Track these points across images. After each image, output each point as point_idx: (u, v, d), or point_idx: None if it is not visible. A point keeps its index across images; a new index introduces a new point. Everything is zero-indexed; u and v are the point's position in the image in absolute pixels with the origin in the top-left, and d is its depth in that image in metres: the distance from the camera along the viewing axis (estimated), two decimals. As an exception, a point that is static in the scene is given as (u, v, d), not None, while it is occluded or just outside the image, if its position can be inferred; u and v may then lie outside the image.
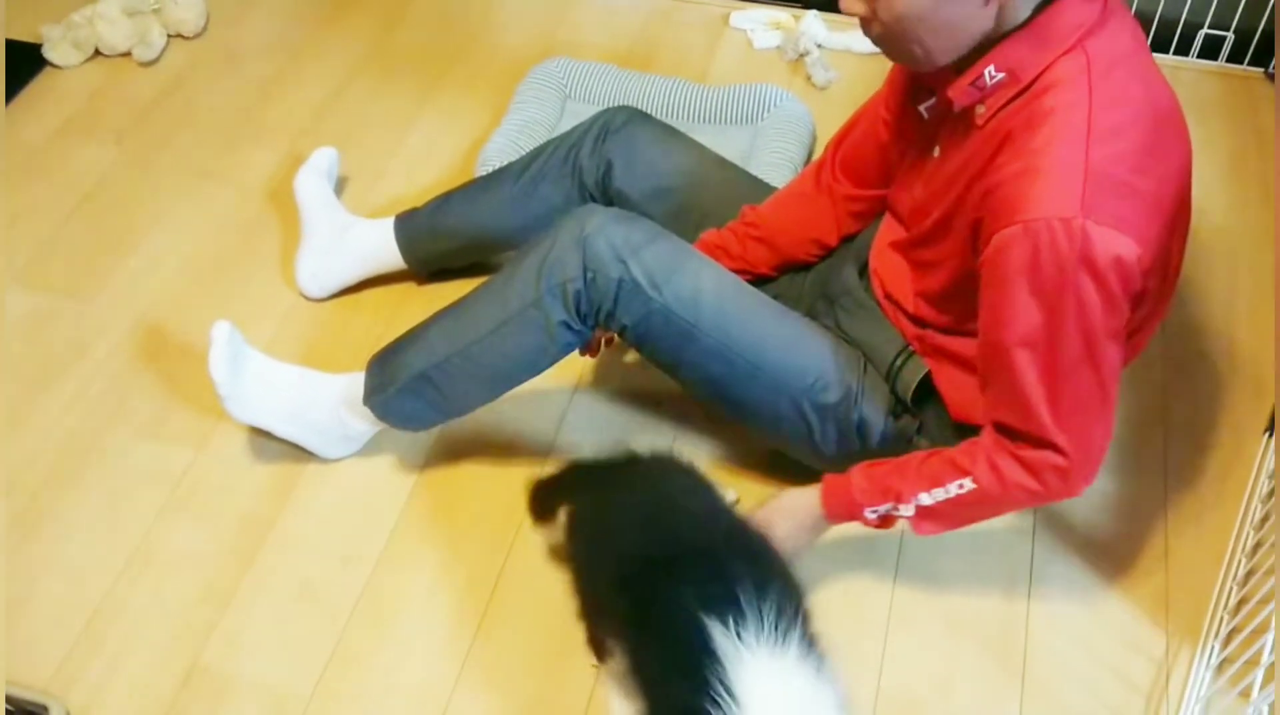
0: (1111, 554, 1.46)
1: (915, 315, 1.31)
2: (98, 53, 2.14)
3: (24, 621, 1.36)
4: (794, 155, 1.84)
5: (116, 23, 2.11)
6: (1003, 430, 1.16)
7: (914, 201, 1.28)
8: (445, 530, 1.46)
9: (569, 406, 1.60)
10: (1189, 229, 1.20)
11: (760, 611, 0.94)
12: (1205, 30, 2.09)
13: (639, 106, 1.69)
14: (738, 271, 1.46)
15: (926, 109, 1.24)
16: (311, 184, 1.74)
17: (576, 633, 1.35)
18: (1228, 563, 1.42)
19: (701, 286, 1.30)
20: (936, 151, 1.23)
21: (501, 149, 1.83)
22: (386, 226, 1.69)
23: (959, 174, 1.17)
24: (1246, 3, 2.05)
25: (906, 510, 1.22)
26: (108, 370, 1.64)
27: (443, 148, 1.99)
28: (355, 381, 1.44)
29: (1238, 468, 1.55)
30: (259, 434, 1.51)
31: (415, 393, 1.38)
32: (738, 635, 0.92)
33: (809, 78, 2.11)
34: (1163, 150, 1.11)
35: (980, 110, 1.13)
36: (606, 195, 1.57)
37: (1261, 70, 2.12)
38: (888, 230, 1.37)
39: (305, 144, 1.96)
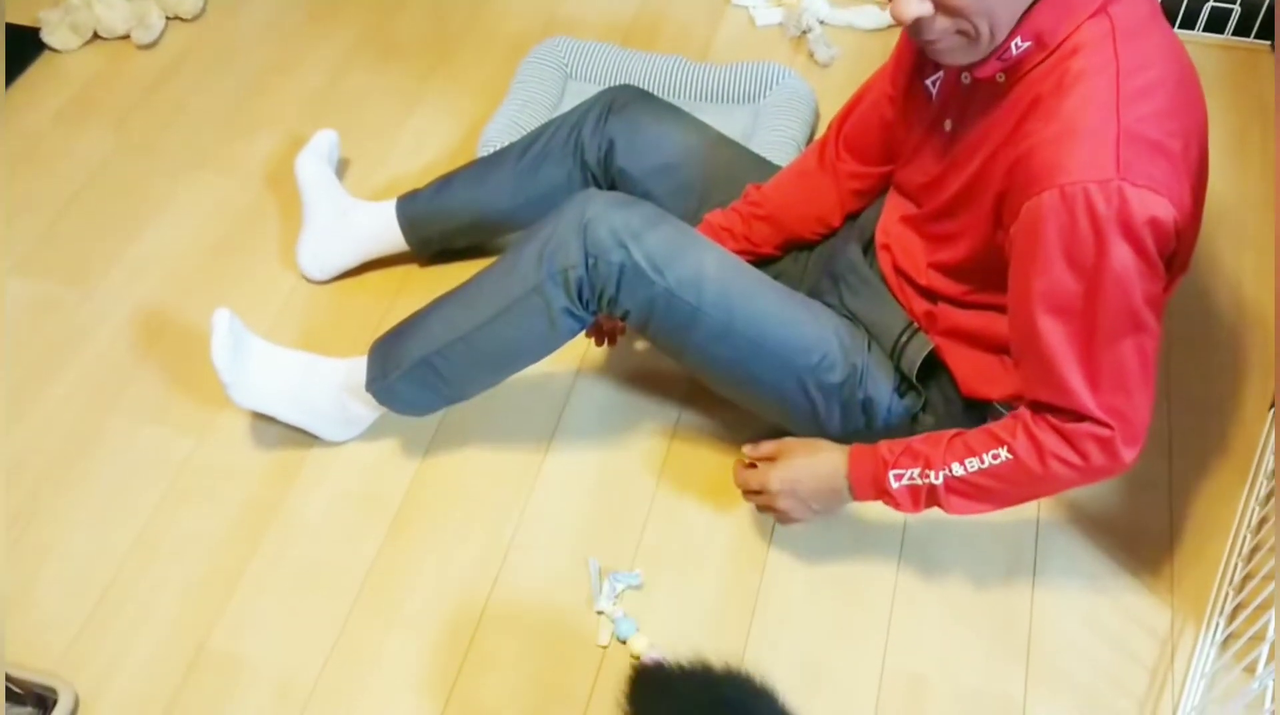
0: (1117, 533, 1.46)
1: (927, 288, 1.30)
2: (96, 36, 2.13)
3: (31, 607, 1.37)
4: (796, 133, 1.83)
5: (114, 5, 2.10)
6: (1041, 407, 1.15)
7: (927, 177, 1.26)
8: (449, 514, 1.46)
9: (572, 389, 1.60)
10: (1206, 193, 1.19)
11: None
12: (1211, 3, 2.07)
13: (641, 85, 1.68)
14: (742, 252, 1.46)
15: (934, 82, 1.23)
16: (312, 167, 1.73)
17: (581, 612, 1.36)
18: (1233, 539, 1.41)
19: (704, 270, 1.30)
20: (948, 125, 1.21)
21: (503, 129, 1.82)
22: (388, 208, 1.68)
23: (979, 145, 1.15)
24: (1253, -25, 2.04)
25: (935, 479, 1.19)
26: (109, 358, 1.63)
27: (444, 129, 1.98)
28: (357, 366, 1.44)
29: (1243, 442, 1.54)
30: (262, 418, 1.52)
31: (417, 379, 1.38)
32: None
33: (811, 55, 2.10)
34: (1186, 111, 1.10)
35: (1000, 79, 1.11)
36: (609, 174, 1.56)
37: (1267, 44, 2.10)
38: (896, 205, 1.36)
39: (306, 127, 1.95)
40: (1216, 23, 2.10)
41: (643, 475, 1.51)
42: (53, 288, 1.73)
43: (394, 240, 1.69)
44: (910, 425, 1.35)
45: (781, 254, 1.51)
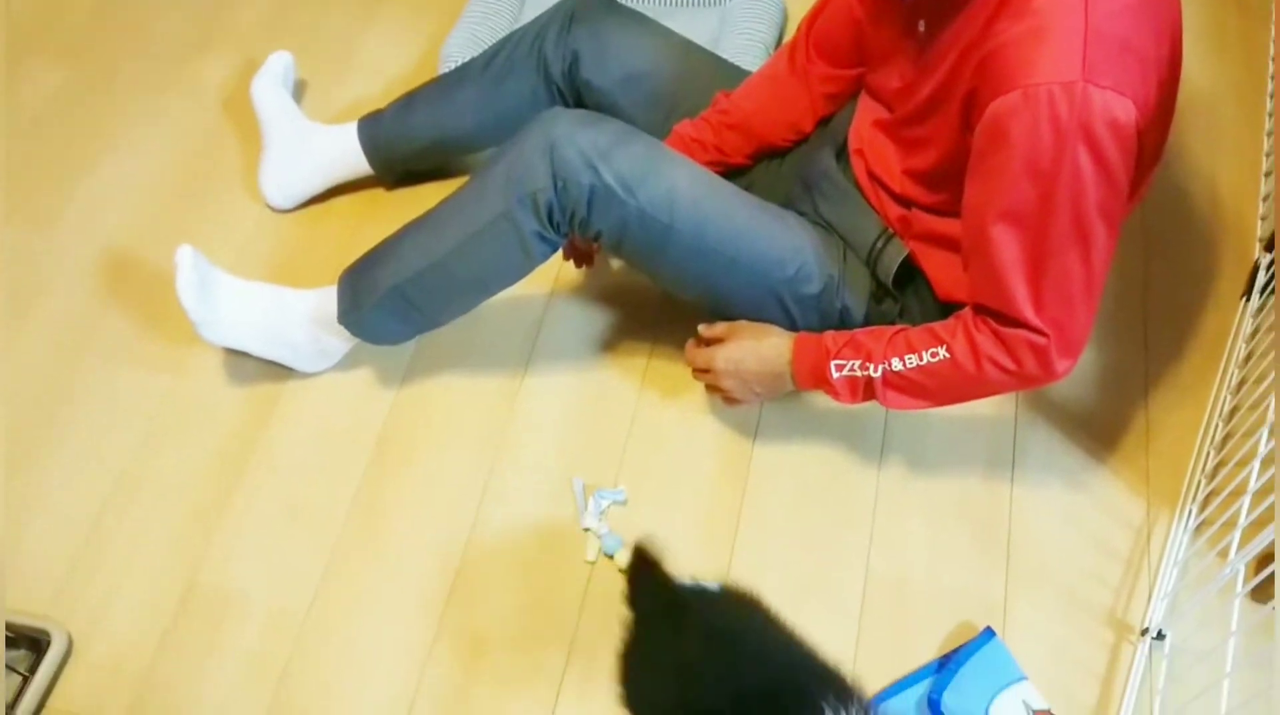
0: (1092, 427, 1.48)
1: (901, 194, 1.28)
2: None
3: (19, 553, 1.37)
4: (764, 36, 1.79)
5: (47, -72, 2.00)
6: (983, 310, 1.16)
7: (901, 80, 1.24)
8: (430, 440, 1.46)
9: (548, 310, 1.59)
10: (1179, 87, 1.18)
11: None
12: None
13: (602, -9, 1.62)
14: (713, 163, 1.44)
15: None
16: (269, 91, 1.68)
17: (568, 530, 1.37)
18: (1205, 428, 1.44)
19: (676, 186, 1.28)
20: (921, 26, 1.18)
21: (462, 43, 1.76)
22: (350, 132, 1.63)
23: (950, 45, 1.12)
24: None
25: (874, 372, 1.21)
26: (75, 301, 1.60)
27: (403, 46, 1.92)
28: (328, 297, 1.42)
29: (1216, 333, 1.55)
30: (235, 354, 1.50)
31: (388, 309, 1.37)
32: None
33: (777, -47, 2.03)
34: (1159, 4, 1.07)
35: None
36: (574, 87, 1.52)
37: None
38: (869, 110, 1.33)
39: (260, 49, 1.88)
40: (1191, -97, 2.04)
41: (623, 393, 1.51)
42: (9, 233, 1.68)
43: (358, 164, 1.65)
44: (887, 332, 1.36)
45: (753, 163, 1.48)
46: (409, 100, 1.61)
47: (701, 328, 1.38)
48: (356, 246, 1.42)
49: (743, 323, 1.35)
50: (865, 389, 1.25)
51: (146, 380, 1.52)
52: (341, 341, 1.46)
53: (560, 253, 1.46)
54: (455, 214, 1.32)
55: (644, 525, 1.38)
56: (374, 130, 1.63)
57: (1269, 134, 1.73)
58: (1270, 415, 1.14)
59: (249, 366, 1.51)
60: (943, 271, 1.29)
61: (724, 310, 1.38)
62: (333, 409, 1.49)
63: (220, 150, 1.78)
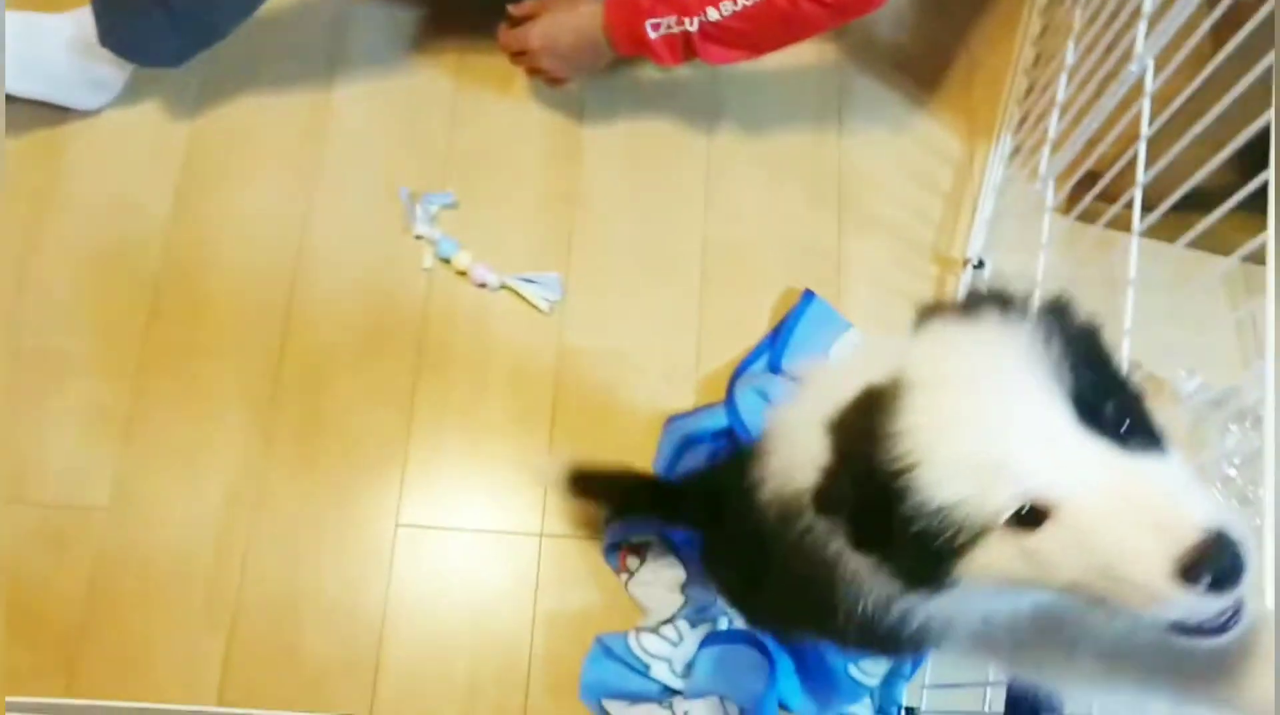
0: (915, 68, 1.47)
1: None
2: None
3: None
4: None
5: None
6: None
7: None
8: (240, 165, 1.37)
9: (342, 11, 1.45)
10: None
11: None
12: None
13: None
14: None
15: None
16: None
17: (401, 244, 1.33)
18: (1018, 52, 1.44)
19: None
20: None
21: None
22: None
23: None
24: None
25: (691, 25, 1.18)
26: None
27: None
28: (87, 17, 1.26)
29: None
30: (-2, 97, 1.34)
31: (154, 20, 1.22)
32: None
33: None
34: None
35: None
36: None
37: None
38: None
39: None
40: None
41: (438, 91, 1.42)
42: None
43: None
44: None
45: None
46: None
47: (510, 8, 1.29)
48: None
49: None
50: (684, 46, 1.21)
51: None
52: (114, 68, 1.32)
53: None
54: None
55: (477, 224, 1.35)
56: None
57: None
58: (1076, 22, 1.14)
59: (18, 112, 1.35)
60: None
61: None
62: (124, 145, 1.37)
63: None
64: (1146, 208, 0.93)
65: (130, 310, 1.29)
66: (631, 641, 1.15)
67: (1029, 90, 1.34)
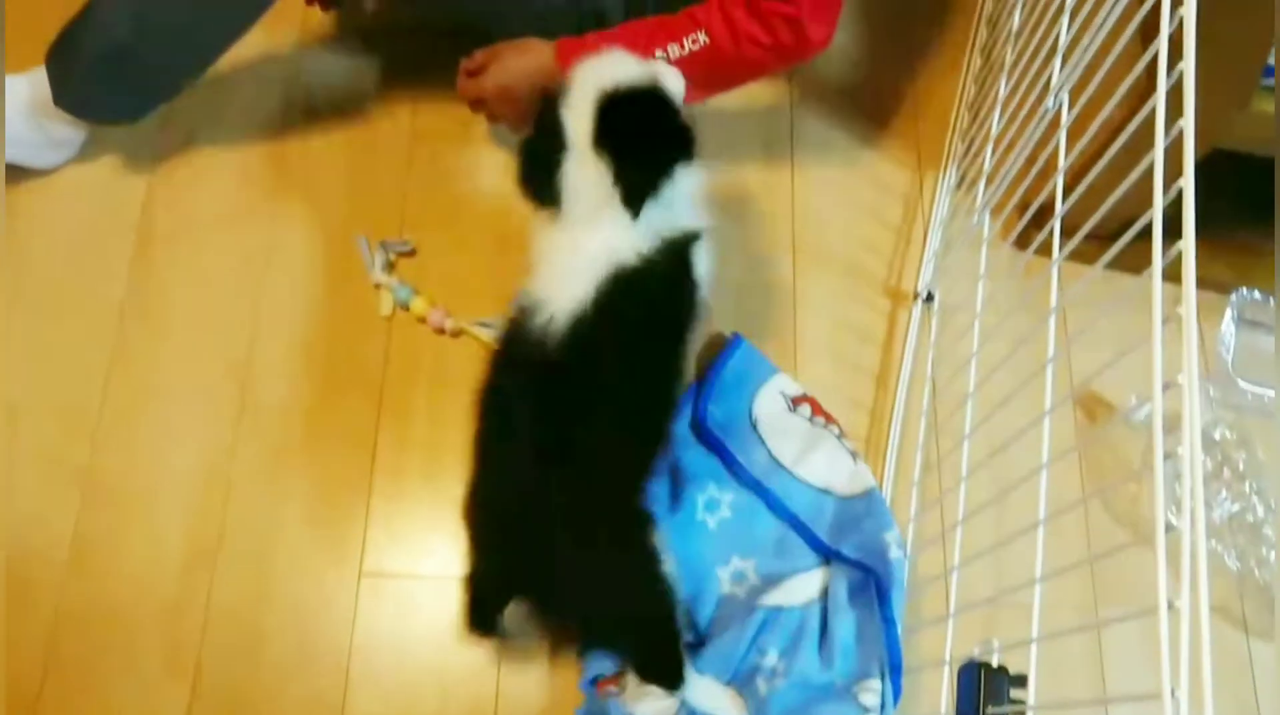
0: (864, 104, 1.51)
1: None
2: None
3: None
4: None
5: None
6: None
7: None
8: (196, 219, 1.38)
9: (299, 66, 1.48)
10: None
11: None
12: None
13: None
14: None
15: None
16: None
17: (359, 292, 1.35)
18: (962, 88, 1.48)
19: None
20: None
21: None
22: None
23: None
24: None
25: None
26: None
27: None
28: (42, 78, 1.28)
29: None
30: (-46, 158, 1.36)
31: (109, 78, 1.24)
32: None
33: None
34: None
35: None
36: None
37: None
38: None
39: None
40: None
41: (395, 140, 1.44)
42: None
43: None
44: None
45: None
46: None
47: (463, 62, 1.31)
48: (71, 14, 1.26)
49: (502, 44, 1.28)
50: None
51: None
52: (72, 127, 1.33)
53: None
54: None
55: (435, 269, 1.37)
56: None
57: None
58: (1007, 58, 1.17)
59: (-25, 170, 1.37)
60: None
61: (485, 34, 1.31)
62: (82, 204, 1.38)
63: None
64: (1094, 235, 0.95)
65: (89, 358, 1.30)
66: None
67: (970, 125, 1.38)
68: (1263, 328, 1.38)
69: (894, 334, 1.38)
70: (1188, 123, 0.72)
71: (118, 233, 1.37)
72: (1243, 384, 1.35)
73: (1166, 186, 0.74)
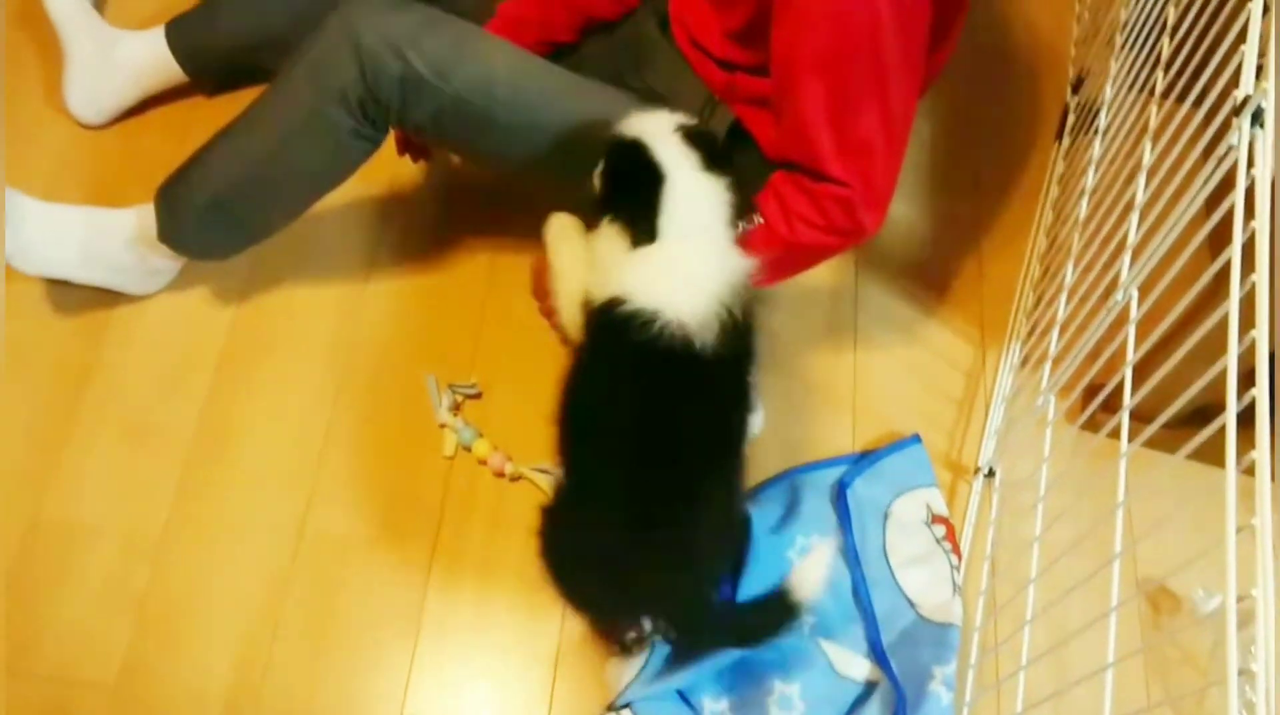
0: (928, 278, 1.53)
1: (723, 58, 1.27)
2: None
3: None
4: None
5: None
6: (791, 168, 1.17)
7: None
8: (275, 353, 1.43)
9: (385, 211, 1.55)
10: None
11: None
12: None
13: None
14: (540, 43, 1.40)
15: None
16: (61, -2, 1.57)
17: (424, 431, 1.38)
18: (1026, 268, 1.50)
19: (493, 70, 1.24)
20: None
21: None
22: (158, 36, 1.54)
23: None
24: None
25: None
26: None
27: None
28: (149, 214, 1.36)
29: (1038, 175, 1.60)
30: (58, 283, 1.43)
31: (210, 223, 1.32)
32: None
33: None
34: None
35: None
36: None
37: None
38: None
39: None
40: None
41: (471, 287, 1.50)
42: None
43: (171, 72, 1.56)
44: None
45: (581, 39, 1.45)
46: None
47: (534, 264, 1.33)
48: (179, 159, 1.35)
49: (539, 255, 1.29)
50: None
51: (-35, 318, 1.44)
52: (169, 260, 1.41)
53: (395, 148, 1.42)
54: (263, 116, 1.27)
55: (499, 415, 1.40)
56: (183, 33, 1.54)
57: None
58: (1074, 246, 1.19)
59: (73, 294, 1.44)
60: (769, 132, 1.30)
61: (555, 188, 1.36)
62: (168, 330, 1.44)
63: (18, 67, 1.66)
64: (1149, 421, 0.95)
65: (158, 483, 1.33)
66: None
67: (1036, 304, 1.39)
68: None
69: (954, 506, 1.36)
70: (1260, 334, 0.73)
71: (200, 361, 1.42)
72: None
73: (1240, 382, 0.74)
